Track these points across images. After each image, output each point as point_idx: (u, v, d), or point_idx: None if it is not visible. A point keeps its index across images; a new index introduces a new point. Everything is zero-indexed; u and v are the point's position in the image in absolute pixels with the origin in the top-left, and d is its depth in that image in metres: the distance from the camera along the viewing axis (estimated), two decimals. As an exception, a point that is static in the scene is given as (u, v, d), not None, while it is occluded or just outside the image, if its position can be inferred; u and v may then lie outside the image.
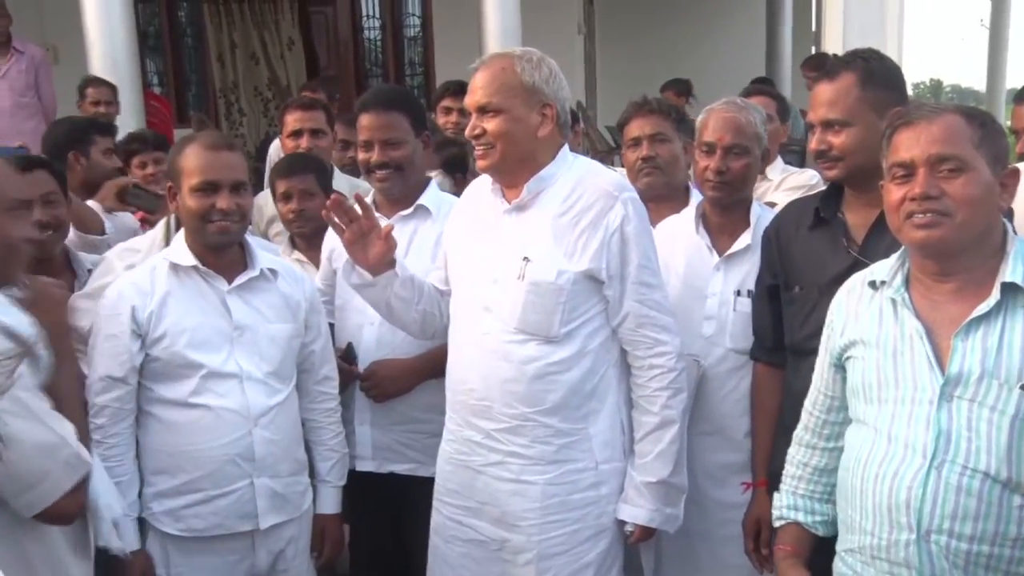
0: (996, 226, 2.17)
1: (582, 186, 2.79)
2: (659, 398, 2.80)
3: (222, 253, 3.00)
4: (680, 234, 3.28)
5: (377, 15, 12.01)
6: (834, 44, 6.99)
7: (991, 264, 2.15)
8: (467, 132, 2.85)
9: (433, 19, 11.36)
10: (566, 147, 2.89)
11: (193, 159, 2.94)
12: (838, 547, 2.38)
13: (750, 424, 3.09)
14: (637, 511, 2.82)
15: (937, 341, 2.16)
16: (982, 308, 2.10)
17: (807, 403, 2.51)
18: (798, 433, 2.53)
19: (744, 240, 3.15)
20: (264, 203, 4.52)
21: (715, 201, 3.20)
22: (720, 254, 3.18)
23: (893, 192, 2.19)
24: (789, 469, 2.55)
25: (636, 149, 3.59)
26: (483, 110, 2.77)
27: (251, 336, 2.99)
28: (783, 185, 4.39)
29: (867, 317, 2.30)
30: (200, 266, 2.97)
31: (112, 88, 7.01)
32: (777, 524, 2.55)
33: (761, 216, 3.17)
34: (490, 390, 2.80)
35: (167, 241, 3.49)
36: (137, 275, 3.02)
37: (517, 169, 2.81)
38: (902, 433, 2.15)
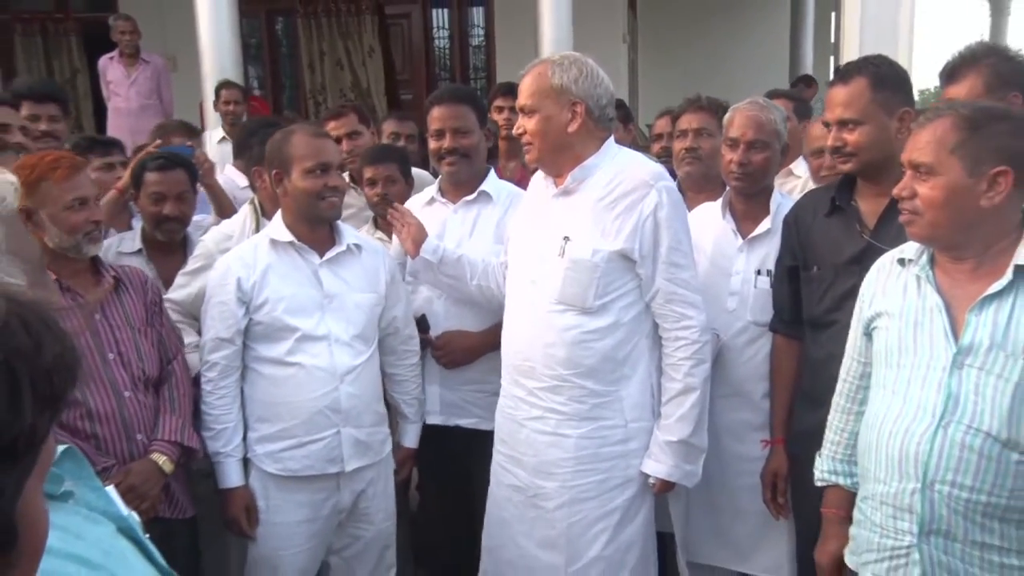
0: (994, 217, 2.09)
1: (622, 174, 2.74)
2: (683, 366, 2.76)
3: (316, 230, 3.03)
4: (709, 219, 3.25)
5: (446, 26, 12.01)
6: (852, 54, 6.93)
7: (1006, 246, 2.10)
8: (514, 131, 2.86)
9: (495, 30, 11.36)
10: (611, 140, 2.84)
11: (304, 146, 2.96)
12: (858, 496, 2.37)
13: (767, 388, 3.08)
14: (659, 466, 2.78)
15: (954, 314, 2.12)
16: (995, 287, 2.06)
17: (842, 372, 2.47)
18: (836, 400, 2.49)
19: (765, 225, 3.12)
20: None
21: (738, 190, 3.18)
22: (744, 237, 3.15)
23: None
24: (829, 435, 2.51)
25: (683, 139, 3.59)
26: (524, 111, 2.77)
27: (339, 303, 3.00)
28: (810, 185, 4.19)
29: (893, 291, 2.27)
30: (296, 242, 2.99)
31: (242, 90, 7.18)
32: (819, 484, 2.53)
33: (781, 204, 3.15)
34: (534, 353, 2.79)
35: (257, 220, 3.58)
36: (242, 250, 3.06)
37: (557, 160, 2.79)
38: (915, 395, 2.13)
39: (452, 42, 11.99)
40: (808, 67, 12.60)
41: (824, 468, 2.51)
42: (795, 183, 4.39)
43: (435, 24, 12.01)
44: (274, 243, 3.01)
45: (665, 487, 2.84)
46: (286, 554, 3.00)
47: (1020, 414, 2.01)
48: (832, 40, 12.71)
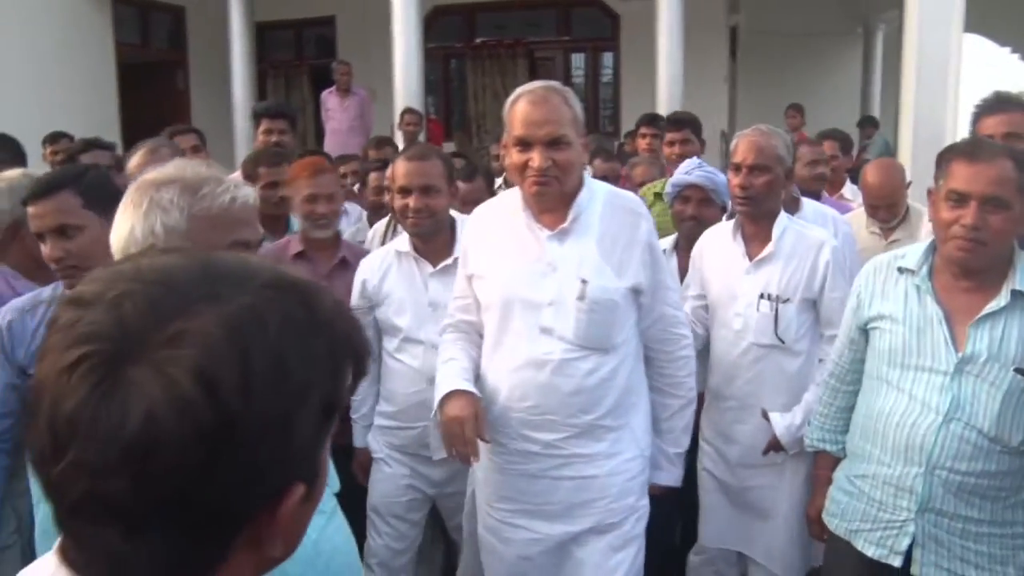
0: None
1: (611, 208, 2.25)
2: (686, 383, 2.37)
3: (429, 241, 2.76)
4: (722, 241, 2.83)
5: (582, 67, 12.25)
6: (909, 95, 6.90)
7: (1001, 268, 2.00)
8: (539, 164, 2.12)
9: (621, 70, 11.57)
10: (586, 170, 2.35)
11: (398, 169, 2.78)
12: (845, 472, 2.26)
13: (771, 402, 2.67)
14: (669, 475, 2.40)
15: (952, 325, 2.03)
16: (993, 306, 1.98)
17: (835, 355, 2.36)
18: (827, 380, 2.38)
19: (768, 249, 2.68)
20: None
21: (744, 213, 2.75)
22: (751, 260, 2.72)
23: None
24: (819, 408, 2.39)
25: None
26: (556, 142, 2.12)
27: (443, 312, 2.63)
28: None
29: (894, 296, 2.14)
30: (412, 252, 2.78)
31: (420, 115, 7.65)
32: (808, 449, 2.44)
33: (787, 228, 2.71)
34: (553, 404, 2.20)
35: (387, 227, 3.54)
36: (374, 256, 2.90)
37: (564, 196, 2.20)
38: (920, 393, 2.05)
39: (587, 80, 12.18)
40: (876, 104, 12.36)
41: (814, 436, 2.40)
42: (848, 205, 4.30)
43: (573, 65, 12.29)
44: (398, 253, 2.82)
45: (668, 493, 2.45)
46: (391, 501, 2.84)
47: (1005, 416, 1.98)
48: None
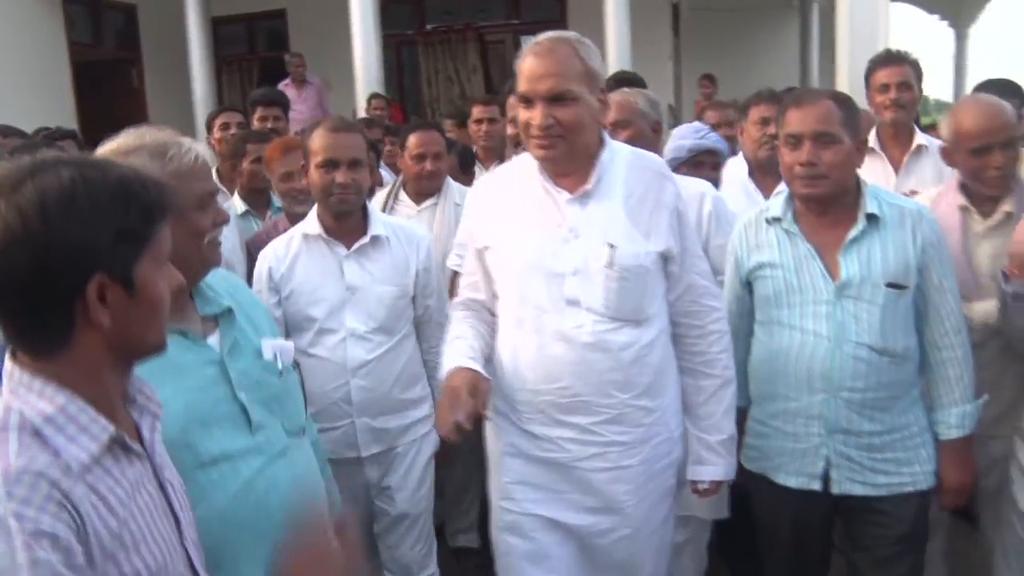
0: (854, 177, 2.18)
1: (636, 169, 2.07)
2: (720, 360, 2.14)
3: (343, 221, 2.57)
4: None
5: (532, 48, 12.46)
6: (843, 63, 7.23)
7: (851, 199, 2.17)
8: (539, 122, 1.94)
9: (570, 51, 11.78)
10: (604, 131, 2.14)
11: (318, 140, 2.53)
12: (756, 418, 2.32)
13: None
14: (715, 468, 2.16)
15: (824, 258, 2.17)
16: (854, 232, 2.14)
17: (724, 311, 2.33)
18: None
19: None
20: None
21: None
22: None
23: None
24: None
25: (765, 127, 3.14)
26: (558, 99, 1.92)
27: (361, 296, 2.54)
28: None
29: (767, 244, 2.26)
30: (323, 234, 2.57)
31: (386, 100, 7.87)
32: None
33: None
34: (587, 385, 2.01)
35: (385, 204, 3.47)
36: (278, 242, 2.65)
37: (577, 158, 2.01)
38: (810, 325, 2.16)
39: (536, 60, 12.40)
40: (814, 75, 12.74)
41: None
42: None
43: (522, 46, 12.44)
44: (305, 236, 2.59)
45: (718, 488, 2.23)
46: None
47: (885, 328, 2.12)
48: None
